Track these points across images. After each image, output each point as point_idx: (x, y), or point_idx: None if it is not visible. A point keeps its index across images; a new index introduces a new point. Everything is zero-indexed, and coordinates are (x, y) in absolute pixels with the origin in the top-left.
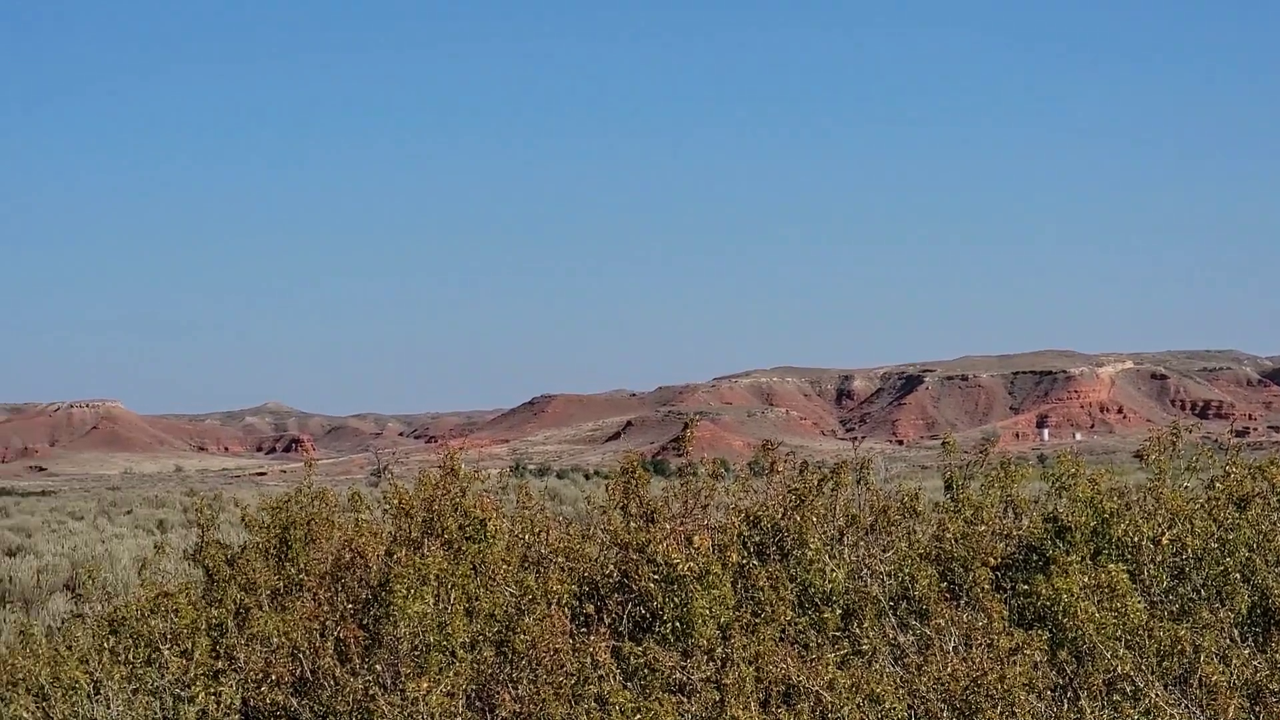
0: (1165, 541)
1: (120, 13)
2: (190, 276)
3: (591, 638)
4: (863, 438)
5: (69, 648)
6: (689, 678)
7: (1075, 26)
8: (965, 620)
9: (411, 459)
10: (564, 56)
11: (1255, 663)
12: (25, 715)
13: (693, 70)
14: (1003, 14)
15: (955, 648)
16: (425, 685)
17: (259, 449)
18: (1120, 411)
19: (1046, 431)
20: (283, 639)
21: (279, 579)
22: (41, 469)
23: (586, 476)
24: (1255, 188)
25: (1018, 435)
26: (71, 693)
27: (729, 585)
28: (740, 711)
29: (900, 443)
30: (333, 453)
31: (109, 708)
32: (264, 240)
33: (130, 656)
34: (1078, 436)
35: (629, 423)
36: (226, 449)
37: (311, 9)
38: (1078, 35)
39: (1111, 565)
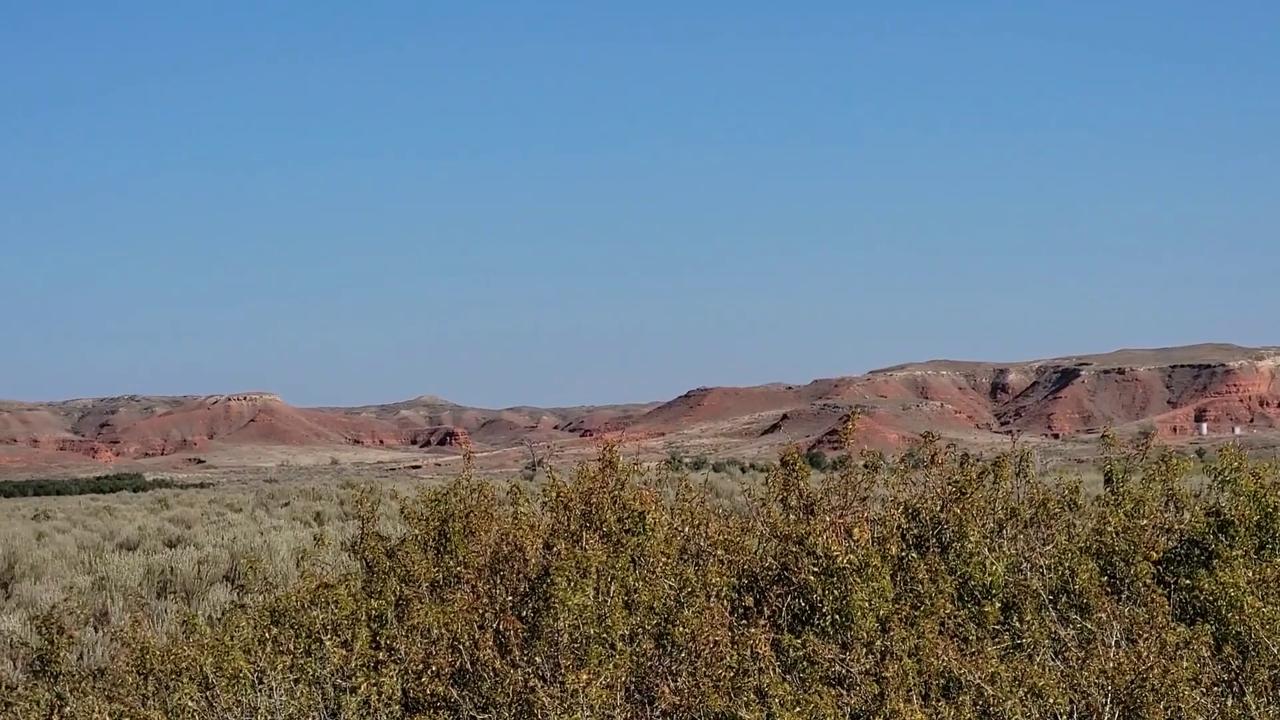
0: None
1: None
2: (348, 272)
3: (751, 630)
4: (1018, 431)
5: (231, 638)
6: (848, 670)
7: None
8: (1127, 614)
9: (566, 452)
10: (707, 53)
11: None
12: (190, 704)
13: (845, 67)
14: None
15: (1117, 642)
16: (585, 677)
17: (414, 442)
18: None
19: (1204, 426)
20: (443, 630)
21: (438, 571)
22: (200, 461)
23: (743, 469)
24: None
25: (1175, 429)
26: (235, 682)
27: (888, 578)
28: (901, 704)
29: (1055, 436)
30: (487, 446)
31: (271, 697)
32: (419, 236)
33: (292, 647)
34: (1237, 431)
35: (784, 416)
36: (381, 442)
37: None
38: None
39: (1277, 559)
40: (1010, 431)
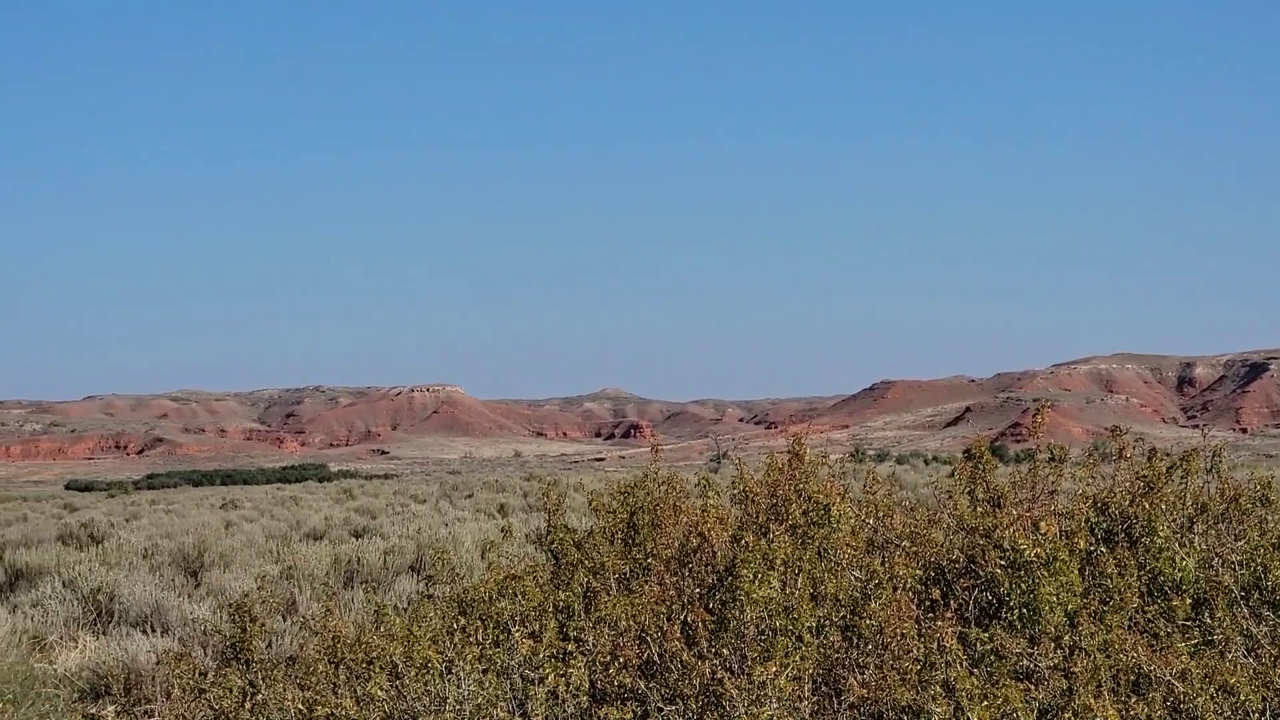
0: None
1: None
2: (532, 264)
3: (938, 623)
4: (1205, 425)
5: (420, 628)
6: (1036, 665)
7: None
8: None
9: (751, 445)
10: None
11: None
12: (379, 693)
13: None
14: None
15: None
16: (772, 669)
17: (597, 435)
18: None
19: None
20: (630, 622)
21: (626, 563)
22: (383, 452)
23: (926, 462)
24: None
25: None
26: (424, 672)
27: (1076, 572)
28: (1091, 699)
29: (1244, 431)
30: (671, 439)
31: (460, 687)
32: (604, 228)
33: (480, 637)
34: None
35: (967, 408)
36: (565, 434)
37: None
38: None
39: None
40: (1198, 425)
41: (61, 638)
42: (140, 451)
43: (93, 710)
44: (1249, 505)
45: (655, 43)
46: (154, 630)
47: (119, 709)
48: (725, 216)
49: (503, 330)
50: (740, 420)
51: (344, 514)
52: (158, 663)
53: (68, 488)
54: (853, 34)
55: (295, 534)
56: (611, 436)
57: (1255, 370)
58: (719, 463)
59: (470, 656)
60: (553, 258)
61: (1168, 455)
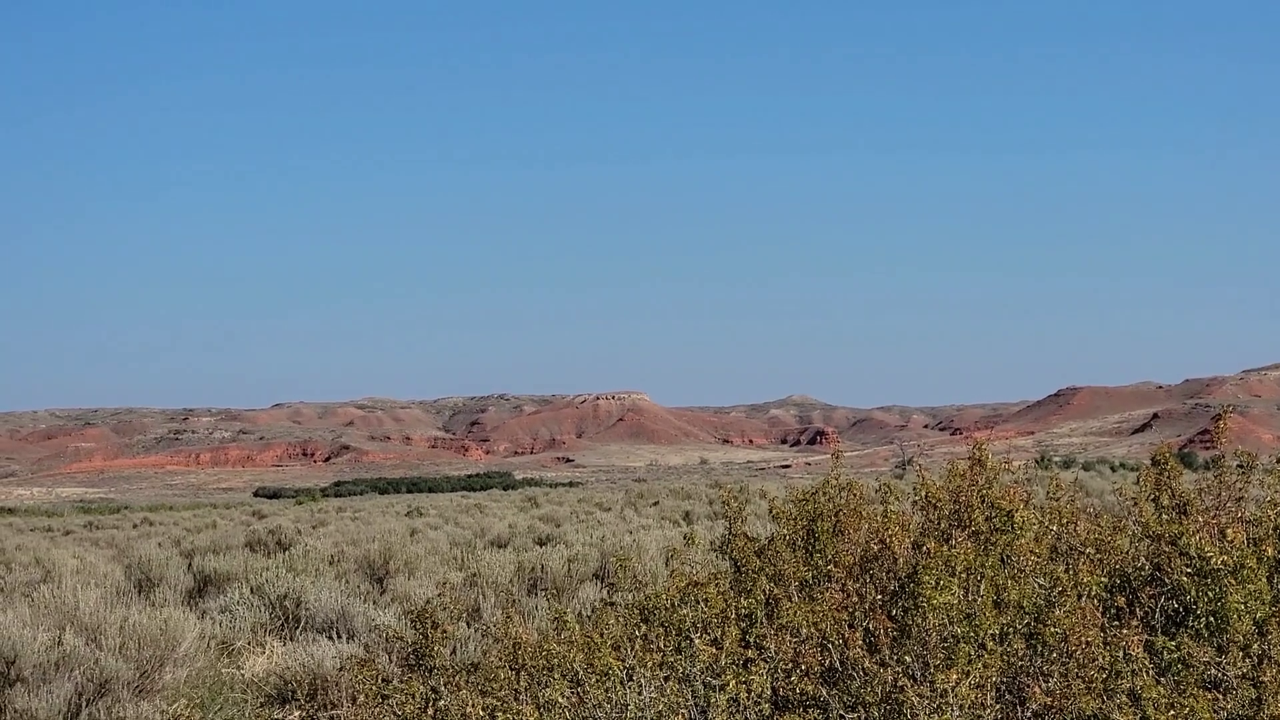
0: None
1: None
2: (717, 270)
3: (1123, 631)
4: None
5: (601, 635)
6: (1224, 674)
7: None
8: None
9: (936, 451)
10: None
11: None
12: (560, 699)
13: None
14: None
15: None
16: (954, 676)
17: (783, 441)
18: None
19: None
20: (811, 629)
21: (808, 570)
22: (568, 460)
23: (1112, 469)
24: None
25: None
26: (605, 679)
27: (1264, 579)
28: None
29: None
30: (857, 445)
31: (641, 694)
32: (790, 234)
33: (661, 644)
34: None
35: (1155, 415)
36: (750, 441)
37: None
38: None
39: None
40: None
41: (249, 643)
42: (327, 459)
43: (278, 715)
44: None
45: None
46: (339, 636)
47: (304, 714)
48: (908, 223)
49: (688, 337)
50: (925, 426)
51: (528, 522)
52: (342, 668)
53: (256, 494)
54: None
55: (479, 541)
56: (797, 443)
57: None
58: (904, 469)
59: (651, 663)
60: (738, 263)
61: None
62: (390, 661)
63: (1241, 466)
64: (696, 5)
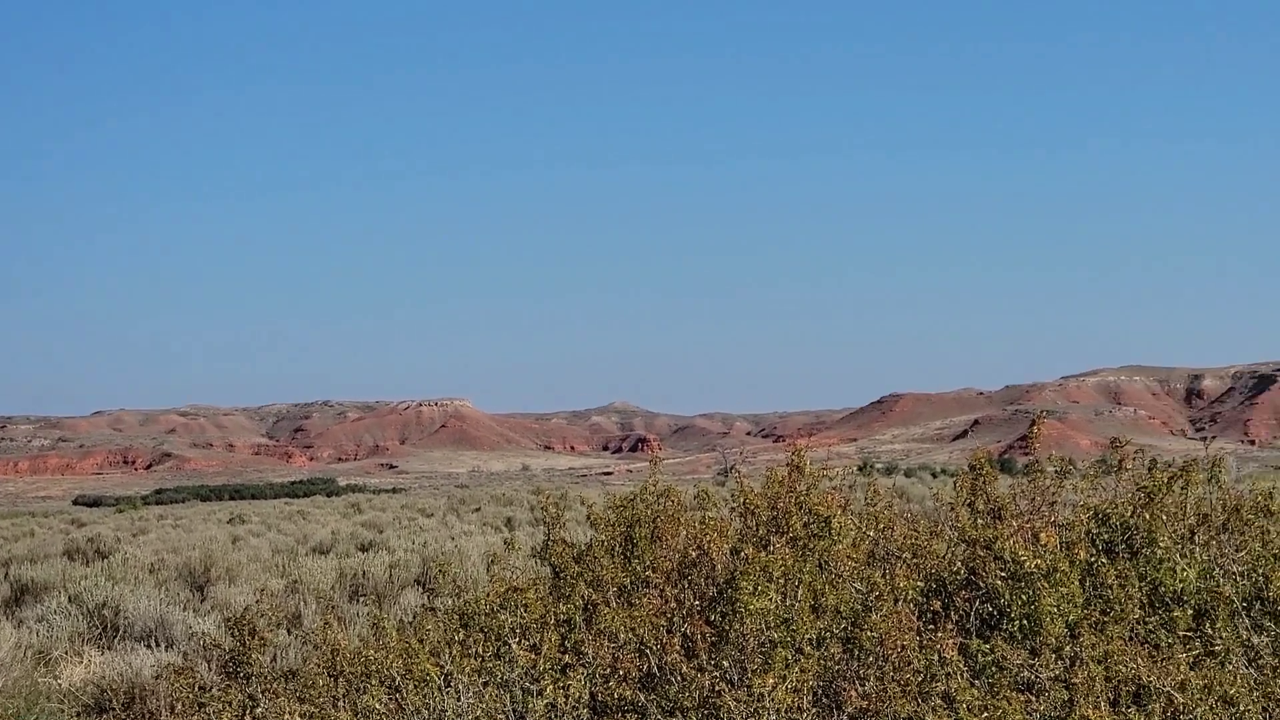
0: None
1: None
2: (540, 277)
3: (938, 634)
4: (1213, 437)
5: (420, 641)
6: (1037, 676)
7: None
8: None
9: (759, 458)
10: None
11: None
12: (378, 705)
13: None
14: None
15: None
16: (771, 681)
17: (605, 448)
18: None
19: None
20: (630, 634)
21: (626, 575)
22: (392, 466)
23: (934, 475)
24: None
25: None
26: (423, 684)
27: (1077, 583)
28: (1090, 711)
29: (1252, 443)
30: (679, 452)
31: (459, 700)
32: (609, 243)
33: (480, 650)
34: None
35: (976, 421)
36: (573, 448)
37: None
38: None
39: None
40: (1204, 438)
41: (66, 652)
42: (148, 467)
43: None
44: (1250, 516)
45: (643, 50)
46: (159, 645)
47: None
48: (730, 230)
49: (511, 344)
50: (748, 434)
51: (351, 528)
52: (159, 677)
53: (75, 503)
54: (853, 41)
55: (302, 548)
56: (619, 450)
57: (1264, 382)
58: (726, 476)
59: (469, 669)
60: (560, 271)
61: (1170, 466)
62: (209, 669)
63: (1058, 472)
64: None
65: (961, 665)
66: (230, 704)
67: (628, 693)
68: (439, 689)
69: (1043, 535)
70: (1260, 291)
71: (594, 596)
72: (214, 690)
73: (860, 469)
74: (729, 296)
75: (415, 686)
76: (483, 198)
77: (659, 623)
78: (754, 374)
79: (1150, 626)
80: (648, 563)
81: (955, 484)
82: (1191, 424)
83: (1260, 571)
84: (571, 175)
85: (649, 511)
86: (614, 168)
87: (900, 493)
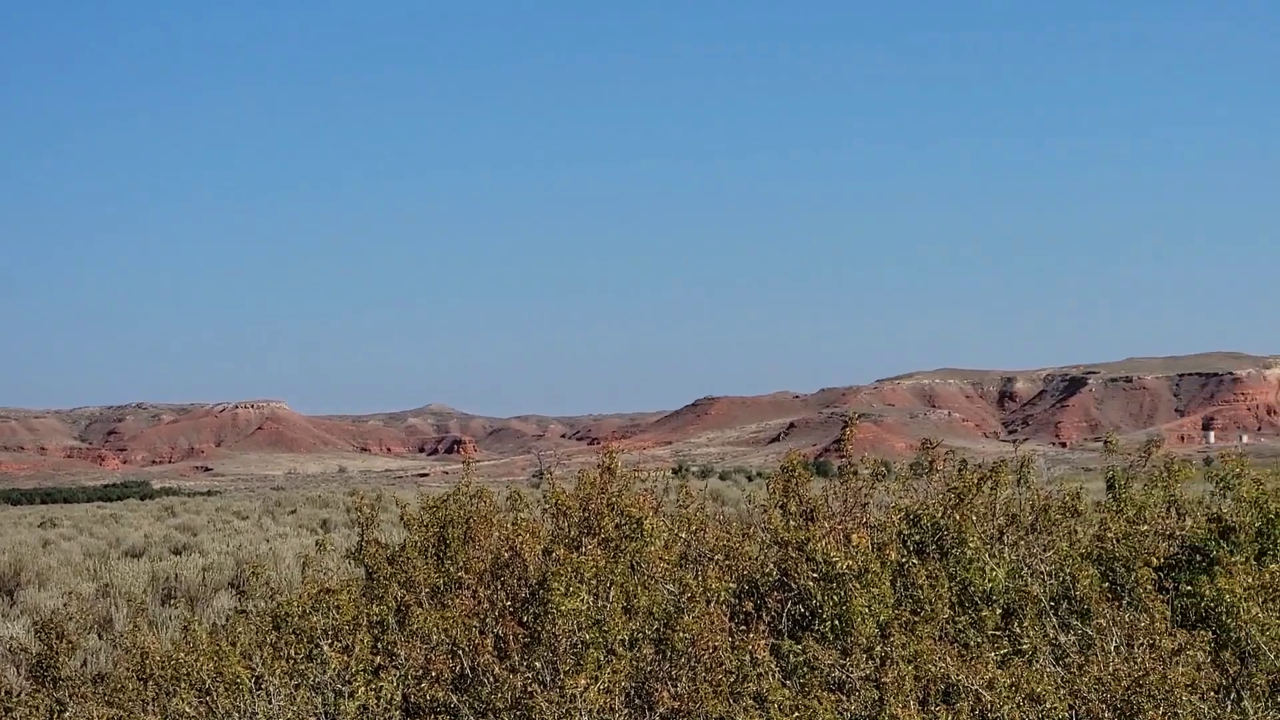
0: None
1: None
2: (356, 280)
3: (750, 635)
4: (1025, 439)
5: (232, 644)
6: (848, 676)
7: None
8: (1127, 620)
9: (574, 460)
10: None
11: None
12: (188, 709)
13: (864, 79)
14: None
15: (1117, 648)
16: (583, 682)
17: (421, 450)
18: None
19: (1212, 434)
20: (442, 636)
21: (439, 576)
22: (207, 469)
23: (749, 478)
24: None
25: (1182, 438)
26: (234, 688)
27: (888, 583)
28: (900, 710)
29: (1063, 445)
30: (495, 454)
31: (270, 703)
32: (428, 245)
33: (292, 652)
34: (1244, 439)
35: (791, 424)
36: (389, 450)
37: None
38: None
39: (1275, 566)
40: (1016, 440)
41: None
42: None
43: None
44: (1058, 516)
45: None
46: None
47: None
48: (544, 234)
49: (327, 346)
50: (563, 436)
51: (164, 531)
52: None
53: None
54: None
55: (114, 552)
56: (435, 452)
57: (1074, 385)
58: (541, 478)
59: (280, 671)
60: (373, 274)
61: (980, 468)
62: (18, 674)
63: (874, 474)
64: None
65: (773, 665)
66: (38, 709)
67: (440, 694)
68: (250, 692)
69: (854, 536)
70: (1072, 296)
71: (407, 598)
72: (21, 695)
73: (675, 471)
74: (544, 299)
75: (226, 689)
76: (294, 198)
77: (471, 624)
78: (570, 377)
79: (960, 626)
80: (461, 564)
81: (768, 486)
82: (1004, 426)
83: (1067, 571)
84: (382, 176)
85: (462, 513)
86: (424, 170)
87: (714, 495)
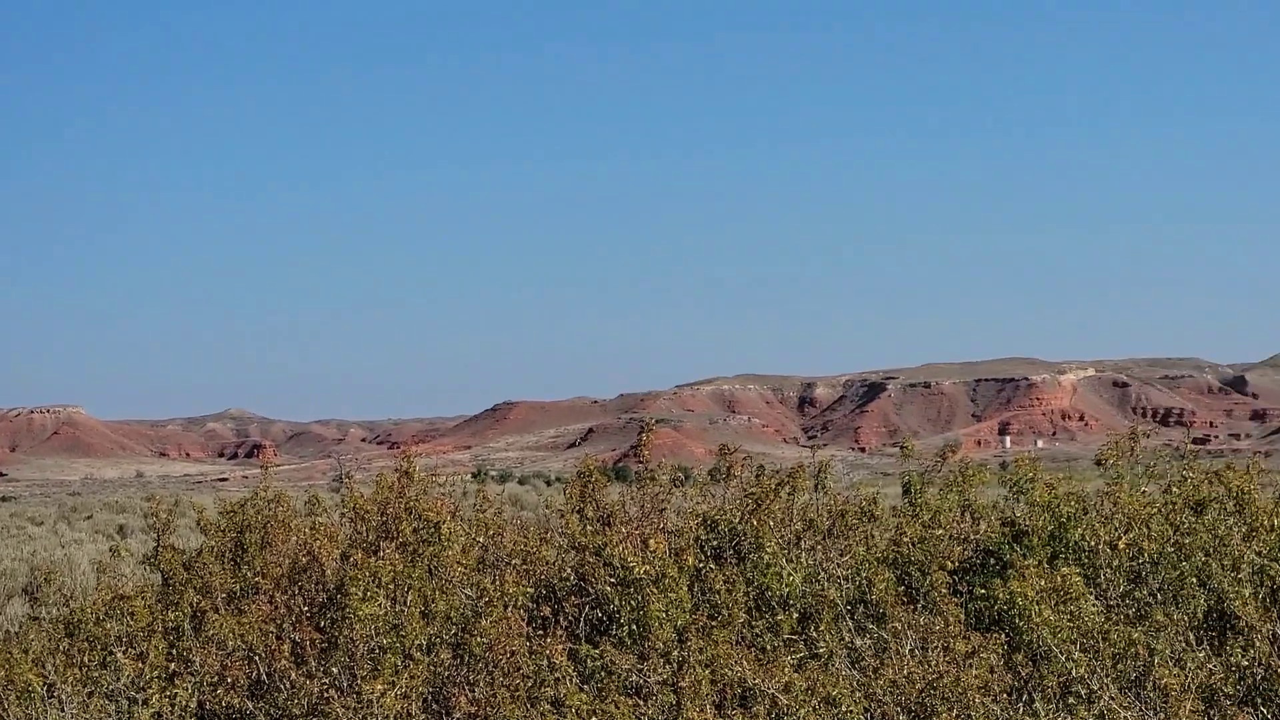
0: (1122, 546)
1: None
2: (153, 281)
3: (548, 640)
4: (825, 445)
5: (24, 651)
6: (645, 680)
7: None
8: (922, 624)
9: (374, 465)
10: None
11: (1210, 666)
12: None
13: (675, 74)
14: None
15: (912, 651)
16: (380, 687)
17: (221, 455)
18: (1082, 419)
19: (1008, 439)
20: (239, 642)
21: (235, 582)
22: (1, 474)
23: (548, 482)
24: (1216, 199)
25: (980, 443)
26: (25, 696)
27: (685, 588)
28: (696, 714)
29: (862, 450)
30: (295, 459)
31: (63, 710)
32: (225, 246)
33: (85, 660)
34: (1039, 444)
35: (591, 429)
36: (188, 455)
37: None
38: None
39: (1066, 569)
40: (815, 445)
41: None
42: None
43: None
44: (855, 521)
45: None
46: None
47: None
48: (340, 237)
49: (124, 350)
50: (363, 440)
51: None
52: None
53: None
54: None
55: None
56: (235, 457)
57: (873, 390)
58: (341, 483)
59: (74, 679)
60: (170, 277)
61: (778, 473)
62: None
63: (671, 479)
64: None
65: (571, 670)
66: None
67: (236, 700)
68: (42, 700)
69: (652, 542)
70: (871, 302)
71: (203, 603)
72: None
73: (474, 476)
74: (342, 302)
75: (17, 698)
76: (89, 195)
77: (268, 629)
78: (370, 381)
79: (756, 630)
80: (258, 569)
81: (565, 491)
82: (804, 432)
83: (863, 575)
84: (211, 182)
85: (260, 517)
86: (247, 178)
87: (513, 500)
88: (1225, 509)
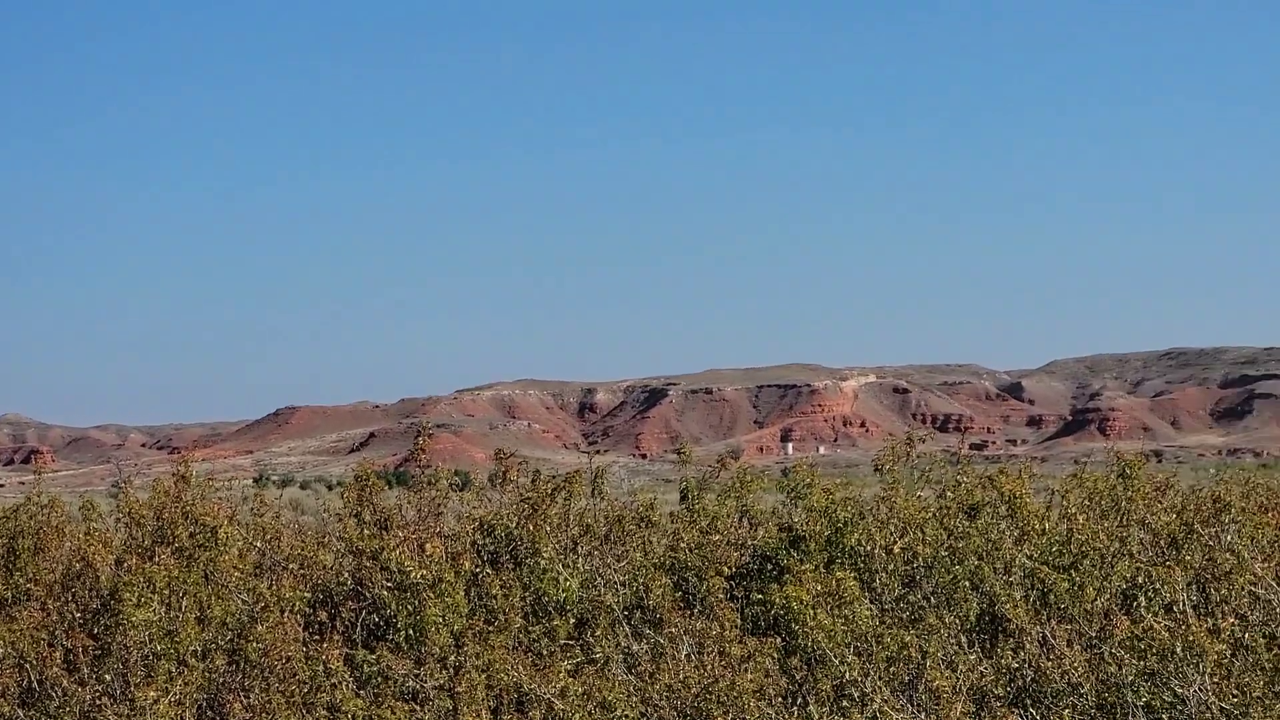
0: (897, 550)
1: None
2: None
3: (324, 645)
4: (605, 450)
5: None
6: (422, 685)
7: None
8: (698, 628)
9: (154, 470)
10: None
11: (981, 668)
12: None
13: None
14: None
15: (688, 655)
16: (153, 694)
17: None
18: (863, 425)
19: (790, 445)
20: (9, 649)
21: (6, 588)
22: None
23: (329, 487)
24: (1003, 209)
25: (762, 449)
26: None
27: (462, 593)
28: (472, 719)
29: (644, 456)
30: (74, 465)
31: None
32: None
33: None
34: (821, 450)
35: (372, 434)
36: None
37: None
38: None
39: (840, 573)
40: (596, 451)
41: None
42: None
43: None
44: (632, 526)
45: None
46: None
47: None
48: (107, 239)
49: None
50: (143, 445)
51: None
52: None
53: None
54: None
55: None
56: (11, 462)
57: (655, 396)
58: (120, 489)
59: None
60: None
61: (555, 478)
62: None
63: (450, 484)
64: None
65: (347, 675)
66: None
67: (6, 709)
68: None
69: (429, 546)
70: (652, 308)
71: None
72: None
73: (256, 481)
74: (120, 305)
75: None
76: None
77: (40, 636)
78: (151, 385)
79: (533, 635)
80: (30, 575)
81: (343, 495)
82: (585, 438)
83: (640, 580)
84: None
85: (33, 523)
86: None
87: (293, 504)
88: (998, 513)
